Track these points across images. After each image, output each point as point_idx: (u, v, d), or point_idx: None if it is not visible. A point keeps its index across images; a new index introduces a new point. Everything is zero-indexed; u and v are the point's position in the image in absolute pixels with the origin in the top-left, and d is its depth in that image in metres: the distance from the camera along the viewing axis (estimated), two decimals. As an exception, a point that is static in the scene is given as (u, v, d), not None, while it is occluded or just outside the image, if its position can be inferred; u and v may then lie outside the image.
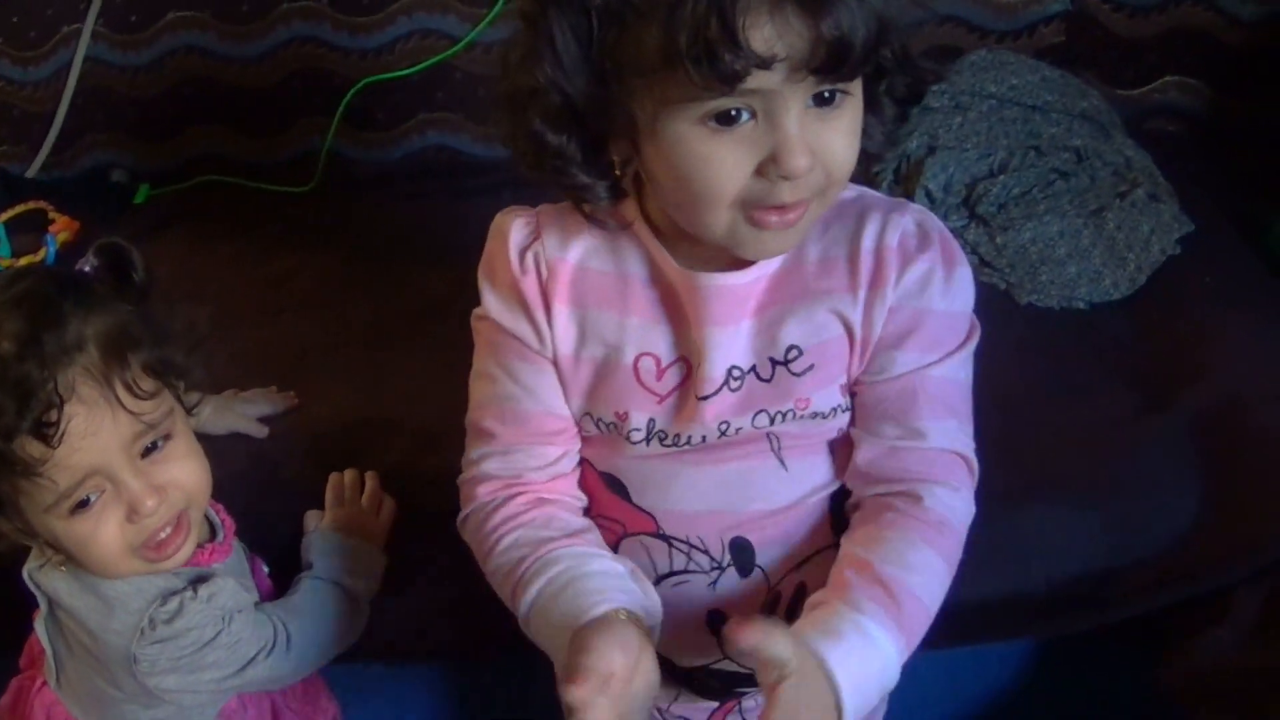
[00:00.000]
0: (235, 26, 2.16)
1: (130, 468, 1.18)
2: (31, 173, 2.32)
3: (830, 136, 1.00)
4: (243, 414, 1.64)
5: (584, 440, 1.22)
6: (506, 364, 1.18)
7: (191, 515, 1.26)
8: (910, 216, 1.14)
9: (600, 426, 1.18)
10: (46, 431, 1.12)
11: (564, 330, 1.16)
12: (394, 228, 2.09)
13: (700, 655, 1.24)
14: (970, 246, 1.81)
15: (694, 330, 1.13)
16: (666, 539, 1.21)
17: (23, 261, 2.10)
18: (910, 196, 1.85)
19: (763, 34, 0.92)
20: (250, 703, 1.41)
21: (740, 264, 1.12)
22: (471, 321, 1.22)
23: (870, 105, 1.07)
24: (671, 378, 1.16)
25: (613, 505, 1.24)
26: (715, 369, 1.13)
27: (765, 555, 1.19)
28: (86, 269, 1.19)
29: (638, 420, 1.16)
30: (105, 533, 1.19)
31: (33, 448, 1.13)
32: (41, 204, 2.22)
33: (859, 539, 1.14)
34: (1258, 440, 1.51)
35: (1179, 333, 1.68)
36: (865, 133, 1.08)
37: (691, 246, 1.11)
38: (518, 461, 1.19)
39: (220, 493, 1.44)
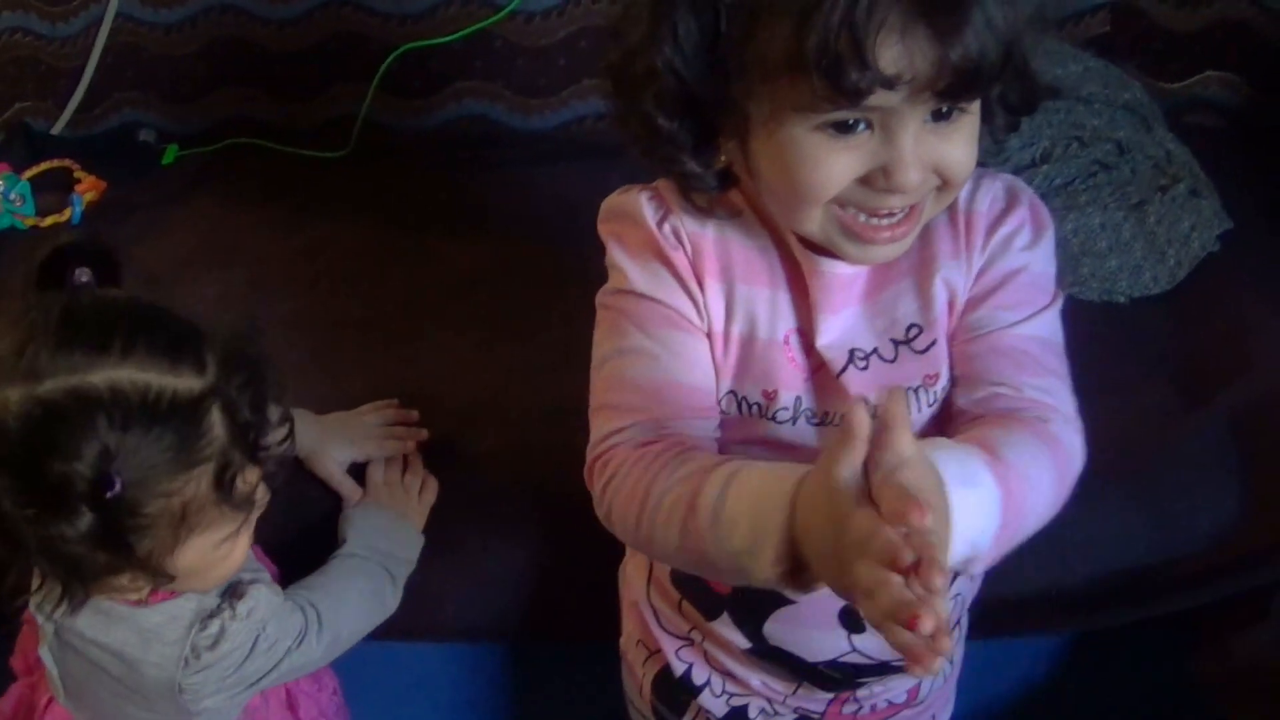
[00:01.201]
0: (271, -14, 2.14)
1: None
2: (58, 130, 2.30)
3: (947, 148, 0.99)
4: (335, 458, 1.54)
5: (724, 425, 1.16)
6: (660, 335, 1.12)
7: None
8: (1000, 182, 1.14)
9: (743, 407, 1.14)
10: (278, 452, 1.14)
11: (715, 306, 1.12)
12: (429, 197, 2.08)
13: (831, 651, 1.23)
14: (1011, 236, 1.81)
15: (813, 312, 1.11)
16: None
17: (48, 222, 2.08)
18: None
19: (891, 54, 0.90)
20: (270, 694, 1.39)
21: None
22: (600, 301, 1.16)
23: (983, 112, 1.05)
24: (816, 354, 1.13)
25: None
26: (833, 352, 1.12)
27: None
28: (84, 279, 1.12)
29: (786, 399, 1.13)
30: (245, 543, 1.20)
31: (253, 475, 1.13)
32: (67, 162, 2.20)
33: (970, 428, 1.08)
34: (1298, 438, 1.52)
35: (1218, 329, 1.68)
36: None
37: None
38: (669, 429, 1.09)
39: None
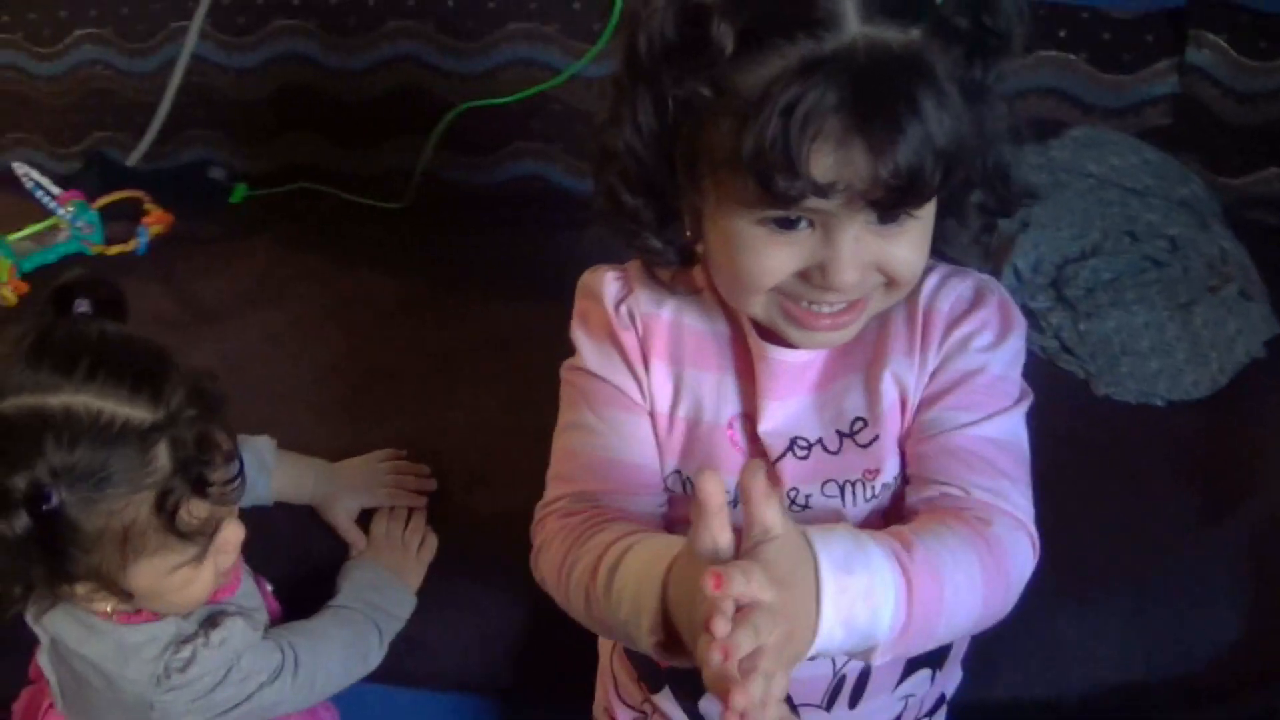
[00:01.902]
0: (341, 39, 2.18)
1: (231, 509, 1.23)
2: (133, 161, 2.36)
3: (890, 249, 0.99)
4: (345, 507, 1.59)
5: (668, 502, 1.19)
6: (605, 414, 1.16)
7: None
8: (969, 282, 1.13)
9: (687, 488, 1.16)
10: (223, 491, 1.16)
11: (660, 387, 1.15)
12: (479, 254, 2.10)
13: None
14: (1053, 330, 1.79)
15: (757, 398, 1.12)
16: None
17: (114, 250, 2.15)
18: (998, 273, 1.82)
19: (824, 164, 0.90)
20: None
21: None
22: (562, 374, 1.20)
23: (957, 214, 1.05)
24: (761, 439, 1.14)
25: None
26: (774, 438, 1.12)
27: None
28: (82, 309, 1.17)
29: (727, 482, 1.13)
30: (207, 574, 1.22)
31: (200, 509, 1.15)
32: (139, 193, 2.25)
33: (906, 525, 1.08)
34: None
35: (1251, 441, 1.63)
36: (947, 239, 1.07)
37: None
38: (602, 503, 1.14)
39: (268, 515, 1.47)
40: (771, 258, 0.99)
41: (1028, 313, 1.80)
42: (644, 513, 1.14)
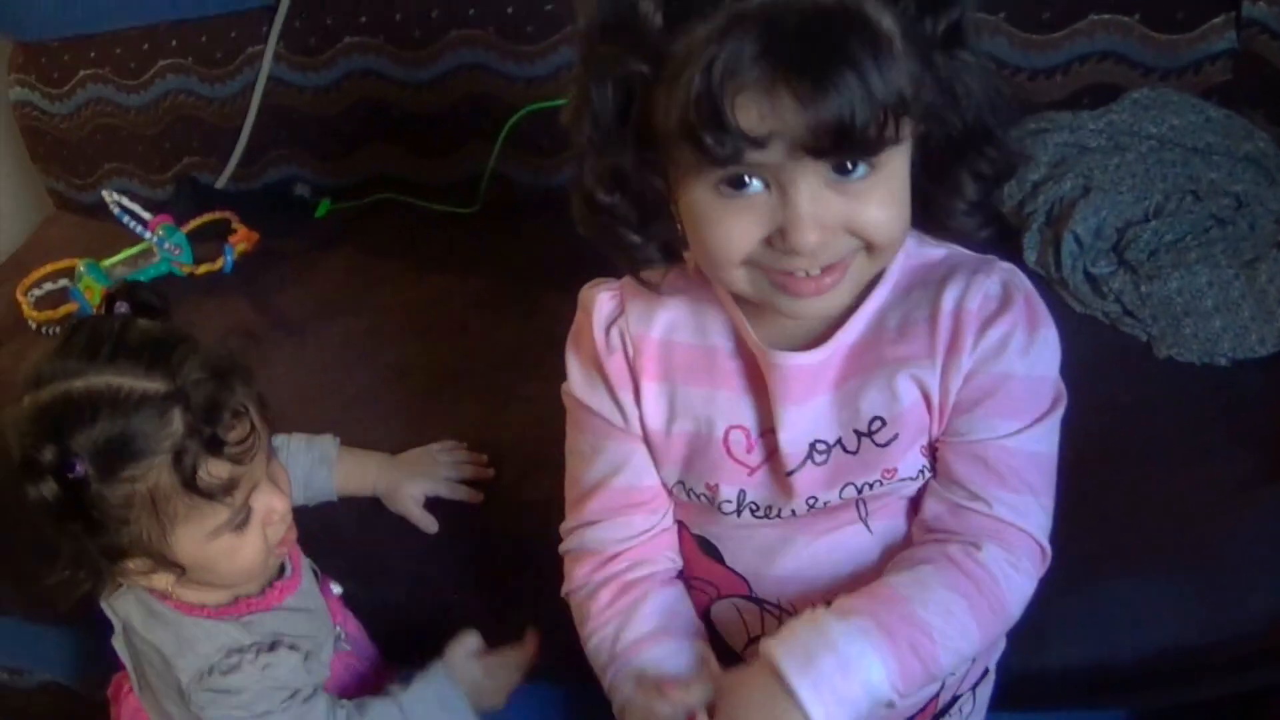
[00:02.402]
0: (407, 52, 2.22)
1: (269, 474, 1.29)
2: (221, 184, 2.44)
3: (858, 207, 0.97)
4: (411, 495, 1.63)
5: (678, 505, 1.24)
6: (595, 441, 1.21)
7: None
8: (996, 278, 1.11)
9: (692, 496, 1.19)
10: (236, 450, 1.21)
11: (653, 406, 1.17)
12: (548, 253, 2.09)
13: None
14: (1114, 294, 1.76)
15: (773, 406, 1.13)
16: (759, 602, 1.22)
17: (201, 270, 2.22)
18: (1059, 240, 1.80)
19: (752, 115, 0.90)
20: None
21: (817, 339, 1.11)
22: (561, 397, 1.24)
23: (945, 179, 1.04)
24: (761, 450, 1.16)
25: (706, 568, 1.25)
26: (795, 445, 1.13)
27: None
28: (121, 309, 1.26)
29: (728, 492, 1.17)
30: (253, 542, 1.28)
31: (219, 469, 1.21)
32: (227, 214, 2.33)
33: (895, 566, 1.13)
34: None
35: (1320, 399, 1.59)
36: (945, 208, 1.06)
37: (774, 316, 1.09)
38: (607, 534, 1.22)
39: (331, 516, 1.53)
40: (733, 227, 0.99)
41: (1089, 278, 1.79)
42: (646, 529, 1.21)
